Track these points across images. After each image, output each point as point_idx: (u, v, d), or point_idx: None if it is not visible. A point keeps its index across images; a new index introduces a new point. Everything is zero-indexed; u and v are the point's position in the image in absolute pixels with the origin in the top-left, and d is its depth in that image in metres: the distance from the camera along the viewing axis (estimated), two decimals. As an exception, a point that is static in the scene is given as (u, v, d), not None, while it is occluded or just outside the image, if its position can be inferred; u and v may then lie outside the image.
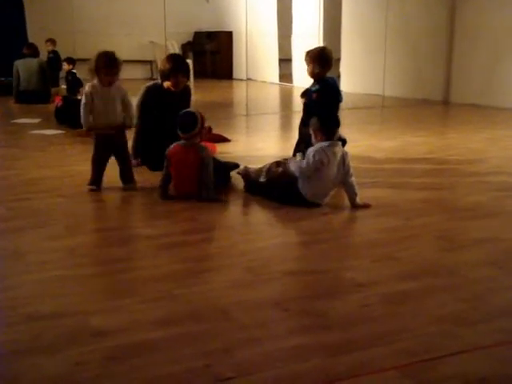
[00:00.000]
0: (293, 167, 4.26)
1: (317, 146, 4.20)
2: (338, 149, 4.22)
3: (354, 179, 4.23)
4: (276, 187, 4.33)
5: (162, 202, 4.36)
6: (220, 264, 3.28)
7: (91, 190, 4.60)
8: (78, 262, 3.21)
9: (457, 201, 4.45)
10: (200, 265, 3.25)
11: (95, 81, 4.56)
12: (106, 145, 4.63)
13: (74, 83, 9.21)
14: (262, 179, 4.50)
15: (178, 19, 14.36)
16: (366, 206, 4.22)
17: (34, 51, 10.82)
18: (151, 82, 5.57)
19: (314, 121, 4.32)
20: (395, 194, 4.61)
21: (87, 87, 4.62)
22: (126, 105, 4.65)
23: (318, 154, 4.12)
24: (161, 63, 5.43)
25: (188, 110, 4.64)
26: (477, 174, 5.27)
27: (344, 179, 4.23)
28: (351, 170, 4.23)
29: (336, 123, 4.28)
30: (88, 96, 4.54)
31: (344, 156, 4.22)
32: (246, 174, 4.64)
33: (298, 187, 4.19)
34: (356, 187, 4.22)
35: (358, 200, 4.22)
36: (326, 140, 4.20)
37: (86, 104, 4.55)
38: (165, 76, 5.29)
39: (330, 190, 4.26)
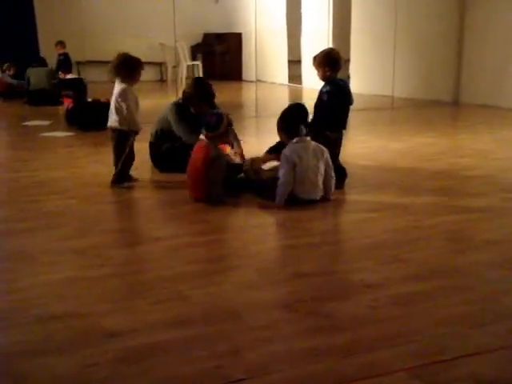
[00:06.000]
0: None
1: (285, 150, 4.29)
2: (308, 143, 4.31)
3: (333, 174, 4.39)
4: (268, 187, 4.39)
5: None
6: (230, 265, 3.29)
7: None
8: (89, 264, 3.23)
9: (467, 202, 4.43)
10: (210, 266, 3.26)
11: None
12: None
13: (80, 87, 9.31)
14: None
15: (188, 21, 14.37)
16: None
17: (42, 62, 11.48)
18: (177, 100, 5.40)
19: (277, 121, 4.45)
20: (405, 196, 4.61)
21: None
22: None
23: (289, 156, 4.22)
24: (186, 87, 5.31)
25: (216, 110, 4.65)
26: (487, 175, 5.25)
27: (326, 171, 4.34)
28: (330, 164, 4.35)
29: (296, 121, 4.36)
30: None
31: (322, 151, 4.31)
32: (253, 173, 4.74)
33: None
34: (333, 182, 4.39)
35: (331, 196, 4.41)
36: (290, 138, 4.31)
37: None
38: (188, 101, 5.16)
39: (316, 182, 4.31)
